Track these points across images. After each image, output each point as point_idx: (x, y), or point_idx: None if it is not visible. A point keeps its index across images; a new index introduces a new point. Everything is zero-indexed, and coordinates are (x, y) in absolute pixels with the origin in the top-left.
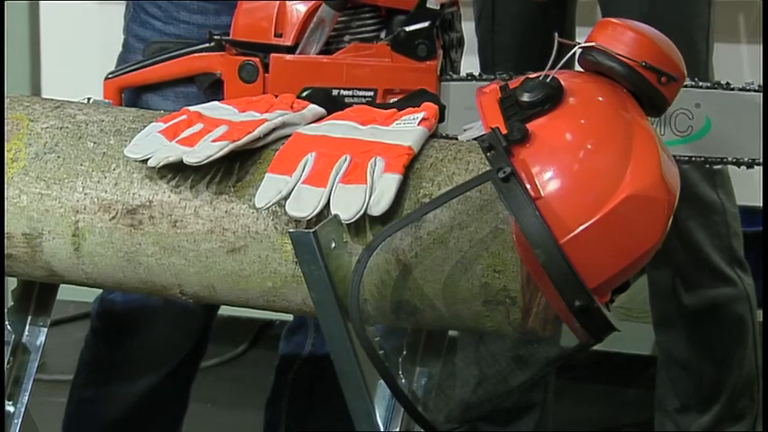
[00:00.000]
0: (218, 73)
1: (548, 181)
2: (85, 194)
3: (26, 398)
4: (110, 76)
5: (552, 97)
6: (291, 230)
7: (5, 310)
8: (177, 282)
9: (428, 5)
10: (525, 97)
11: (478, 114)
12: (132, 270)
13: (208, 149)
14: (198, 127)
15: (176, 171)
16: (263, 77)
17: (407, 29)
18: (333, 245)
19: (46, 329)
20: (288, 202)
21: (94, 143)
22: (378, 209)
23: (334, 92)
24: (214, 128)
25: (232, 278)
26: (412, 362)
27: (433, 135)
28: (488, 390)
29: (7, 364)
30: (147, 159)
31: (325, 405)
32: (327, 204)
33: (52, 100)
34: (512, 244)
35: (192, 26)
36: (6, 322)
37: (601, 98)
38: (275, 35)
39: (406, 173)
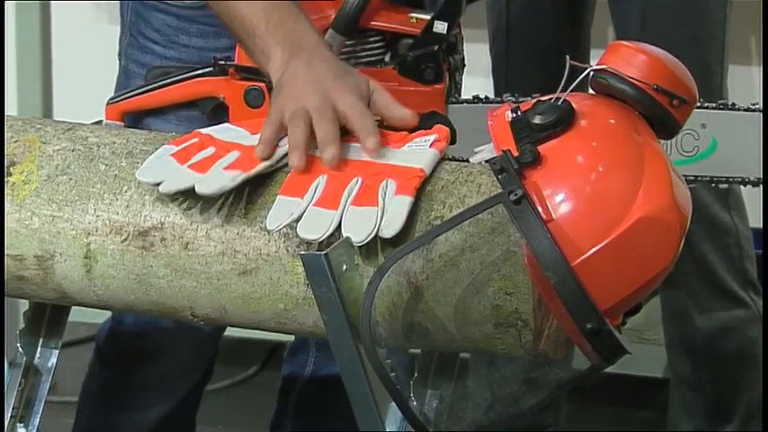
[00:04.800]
0: (222, 97)
1: (559, 203)
2: (97, 216)
3: (38, 420)
4: (112, 100)
5: (564, 120)
6: (303, 252)
7: (17, 332)
8: (189, 304)
9: (435, 30)
10: (537, 119)
11: (489, 136)
12: (144, 292)
13: (220, 180)
14: (210, 151)
15: (188, 194)
16: (270, 102)
17: (414, 53)
18: (344, 267)
19: (57, 351)
20: (299, 224)
21: (106, 165)
22: (389, 231)
23: None
24: (226, 152)
25: (243, 300)
26: (423, 384)
27: (444, 158)
28: (500, 412)
29: (19, 386)
30: (159, 184)
31: (329, 425)
32: (339, 227)
33: (64, 122)
34: (523, 266)
35: (192, 49)
36: (18, 344)
37: (612, 121)
38: None
39: (418, 195)
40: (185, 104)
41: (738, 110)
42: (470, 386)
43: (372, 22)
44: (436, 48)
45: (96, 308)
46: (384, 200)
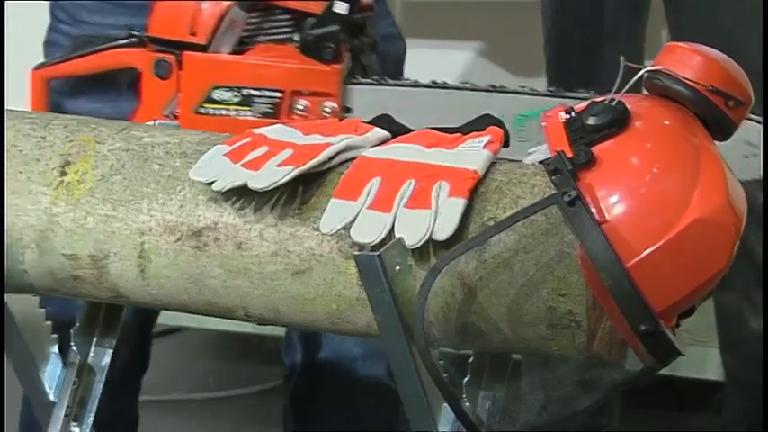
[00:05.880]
0: (138, 69)
1: (613, 205)
2: (151, 216)
3: (91, 419)
4: (37, 67)
5: (618, 121)
6: (356, 253)
7: (71, 331)
8: (242, 304)
9: (334, 10)
10: (591, 121)
11: (544, 137)
12: (197, 292)
13: (273, 175)
14: (263, 150)
15: (241, 194)
16: (177, 74)
17: (314, 32)
18: (397, 268)
19: (111, 350)
20: (353, 227)
21: (160, 165)
22: (443, 234)
23: (244, 91)
24: (279, 151)
25: (297, 300)
26: (476, 385)
27: None
28: (553, 413)
29: (73, 384)
30: (212, 183)
31: (323, 412)
32: (392, 229)
33: (118, 122)
34: (577, 267)
35: (91, 26)
36: (72, 343)
37: (667, 122)
38: (190, 34)
39: (471, 196)
40: (106, 77)
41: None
42: (523, 387)
43: (276, 1)
44: (336, 28)
45: (150, 307)
46: (437, 202)
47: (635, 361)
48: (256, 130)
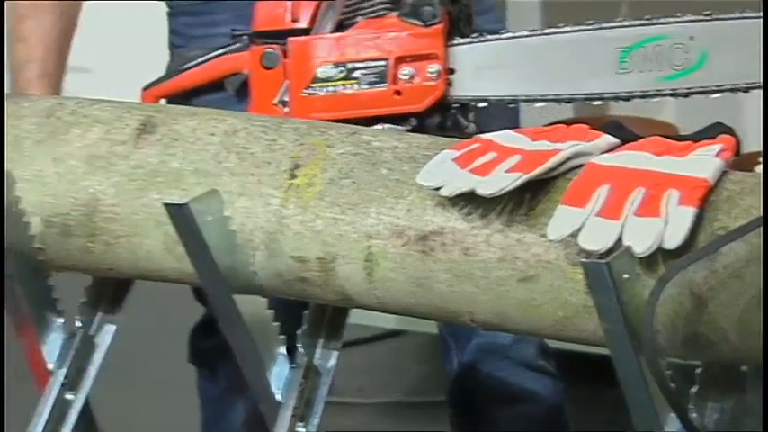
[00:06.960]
0: (246, 72)
1: None
2: (379, 220)
3: (317, 420)
4: (147, 87)
5: None
6: (584, 260)
7: (297, 333)
8: (469, 309)
9: None
10: None
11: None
12: (424, 296)
13: (502, 181)
14: (491, 156)
15: (468, 199)
16: (284, 63)
17: None
18: (626, 276)
19: (336, 352)
20: (581, 234)
21: (388, 169)
22: (673, 243)
23: (349, 65)
24: (508, 157)
25: (523, 307)
26: (704, 396)
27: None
28: None
29: (300, 386)
30: (440, 188)
31: (482, 414)
32: (620, 237)
33: (347, 126)
34: None
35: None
36: (298, 345)
37: None
38: (291, 20)
39: (702, 205)
40: (213, 86)
41: (726, 19)
42: (752, 400)
43: None
44: None
45: (376, 310)
46: (668, 210)
47: None
48: (484, 136)
